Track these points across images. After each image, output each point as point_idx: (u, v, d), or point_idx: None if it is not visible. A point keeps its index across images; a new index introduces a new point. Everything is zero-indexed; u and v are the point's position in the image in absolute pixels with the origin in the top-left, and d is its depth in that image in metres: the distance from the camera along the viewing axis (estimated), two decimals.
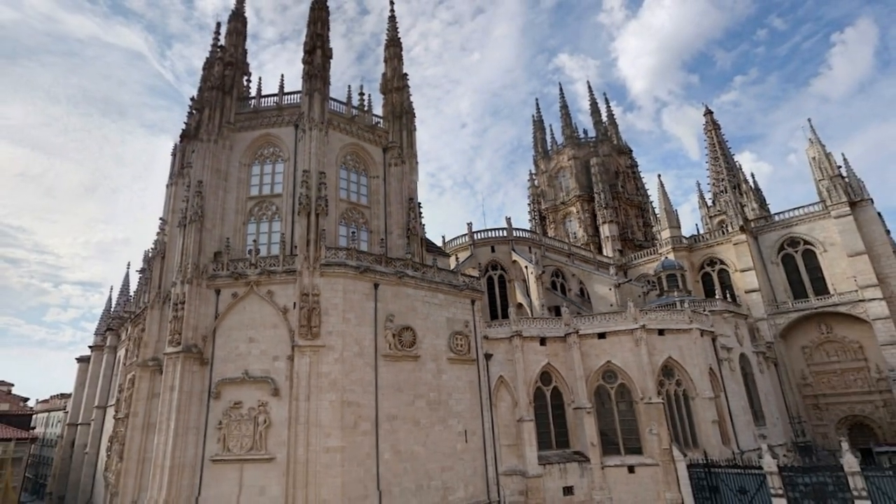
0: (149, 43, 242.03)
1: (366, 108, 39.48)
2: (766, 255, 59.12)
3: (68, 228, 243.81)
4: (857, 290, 51.87)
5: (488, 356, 35.12)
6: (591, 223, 79.26)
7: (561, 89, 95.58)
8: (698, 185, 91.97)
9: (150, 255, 39.95)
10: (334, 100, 37.18)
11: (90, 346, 58.54)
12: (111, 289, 65.18)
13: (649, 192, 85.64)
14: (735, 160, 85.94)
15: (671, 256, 60.71)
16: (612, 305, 50.54)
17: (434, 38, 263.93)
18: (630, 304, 37.99)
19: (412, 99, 41.82)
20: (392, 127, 39.79)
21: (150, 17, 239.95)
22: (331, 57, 37.69)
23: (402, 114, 40.46)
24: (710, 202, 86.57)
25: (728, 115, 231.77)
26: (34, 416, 78.83)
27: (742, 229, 59.67)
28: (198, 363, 28.68)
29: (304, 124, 34.45)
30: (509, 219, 56.42)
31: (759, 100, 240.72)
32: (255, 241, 32.81)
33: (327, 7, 39.52)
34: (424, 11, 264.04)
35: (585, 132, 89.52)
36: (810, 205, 57.90)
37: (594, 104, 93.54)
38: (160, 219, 39.62)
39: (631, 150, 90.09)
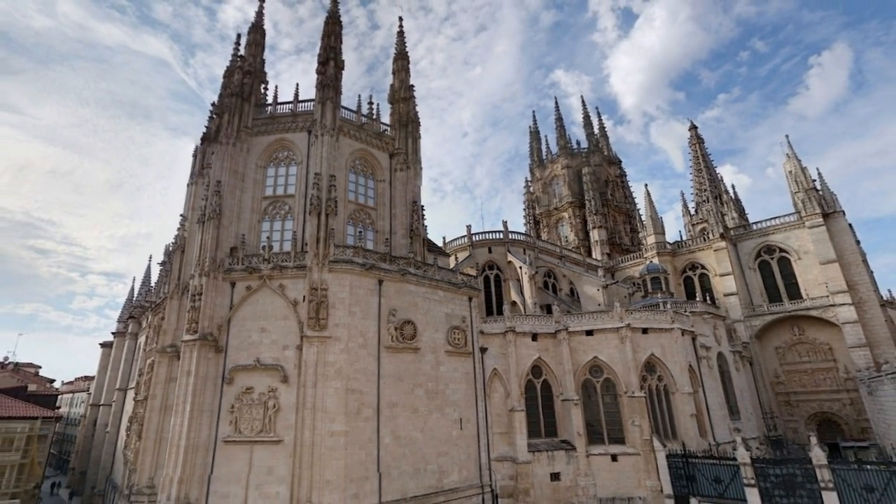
0: (174, 51, 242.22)
1: (374, 117, 39.47)
2: (744, 261, 59.17)
3: (95, 223, 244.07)
4: (828, 296, 51.94)
5: (483, 350, 35.11)
6: (581, 228, 79.40)
7: (556, 103, 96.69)
8: (682, 194, 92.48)
9: (170, 248, 39.96)
10: (345, 108, 37.14)
11: (113, 333, 58.56)
12: (133, 279, 65.21)
13: (636, 201, 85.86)
14: (717, 172, 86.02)
15: (656, 260, 60.80)
16: (599, 305, 50.58)
17: (439, 53, 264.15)
18: (616, 304, 37.99)
19: (418, 109, 41.79)
20: (398, 134, 39.74)
21: (176, 27, 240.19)
22: (343, 68, 37.68)
23: (407, 122, 40.46)
24: (692, 211, 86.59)
25: (711, 130, 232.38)
26: (59, 397, 78.86)
27: (722, 237, 59.75)
28: (213, 350, 28.69)
29: (317, 130, 34.47)
30: (506, 222, 56.46)
31: (741, 116, 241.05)
32: (268, 237, 32.81)
33: (340, 22, 39.56)
34: (431, 28, 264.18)
35: (578, 143, 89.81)
36: (786, 215, 58.01)
37: (587, 117, 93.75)
38: (181, 215, 39.62)
39: (620, 161, 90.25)
